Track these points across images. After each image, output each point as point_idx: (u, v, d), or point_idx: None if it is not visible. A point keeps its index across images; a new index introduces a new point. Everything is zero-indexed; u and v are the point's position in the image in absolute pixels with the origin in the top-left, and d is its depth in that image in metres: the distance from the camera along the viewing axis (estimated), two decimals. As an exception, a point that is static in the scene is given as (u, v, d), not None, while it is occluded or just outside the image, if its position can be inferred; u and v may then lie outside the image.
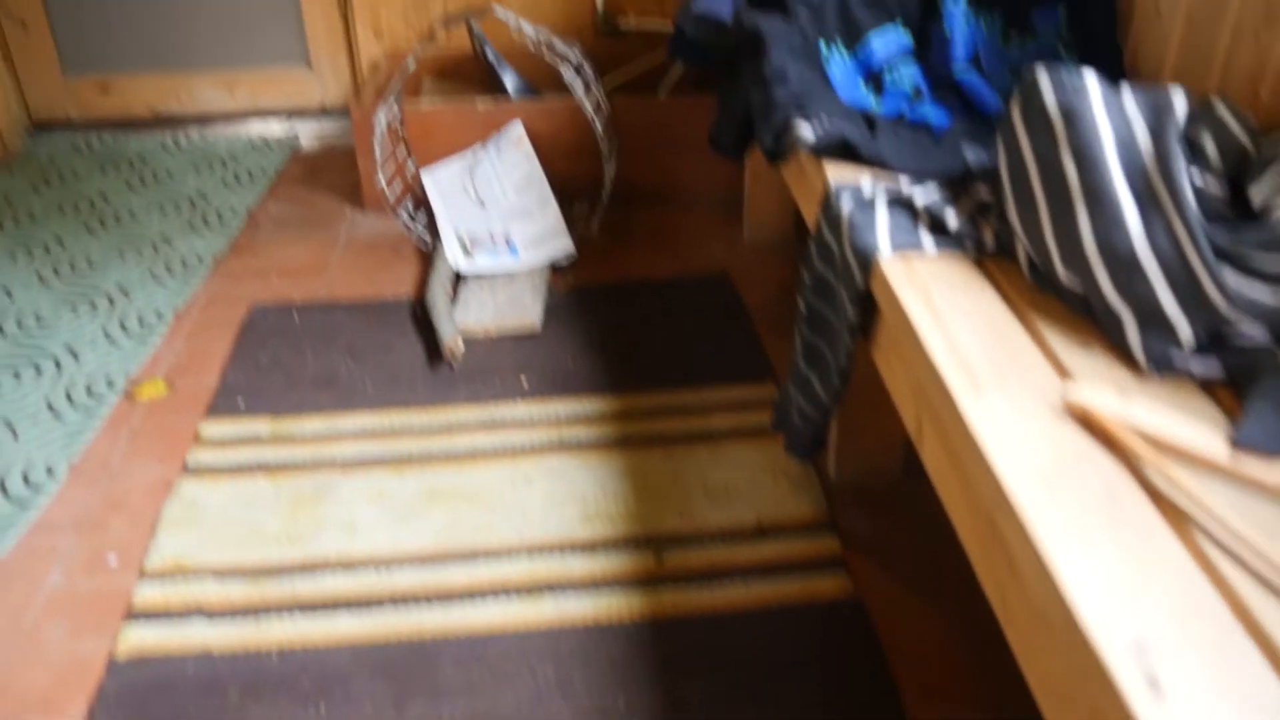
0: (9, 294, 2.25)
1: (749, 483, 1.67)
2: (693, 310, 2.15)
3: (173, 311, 2.18)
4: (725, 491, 1.65)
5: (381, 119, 2.31)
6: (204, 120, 3.14)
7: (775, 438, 1.75)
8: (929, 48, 1.61)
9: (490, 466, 1.71)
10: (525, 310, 2.09)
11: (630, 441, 1.76)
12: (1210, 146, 1.06)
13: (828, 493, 1.65)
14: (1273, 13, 1.24)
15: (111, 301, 2.21)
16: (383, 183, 2.32)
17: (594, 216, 2.45)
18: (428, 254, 2.38)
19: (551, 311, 2.15)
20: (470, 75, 2.89)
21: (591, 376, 1.94)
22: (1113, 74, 1.54)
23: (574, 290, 2.24)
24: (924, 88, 1.56)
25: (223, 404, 1.87)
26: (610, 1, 2.98)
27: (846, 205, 1.25)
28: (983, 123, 1.49)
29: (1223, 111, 1.09)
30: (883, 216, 1.21)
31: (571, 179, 2.52)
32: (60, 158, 2.96)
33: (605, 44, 2.99)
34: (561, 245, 2.31)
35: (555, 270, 2.30)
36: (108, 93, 3.10)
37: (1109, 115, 1.03)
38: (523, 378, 1.93)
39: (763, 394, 1.88)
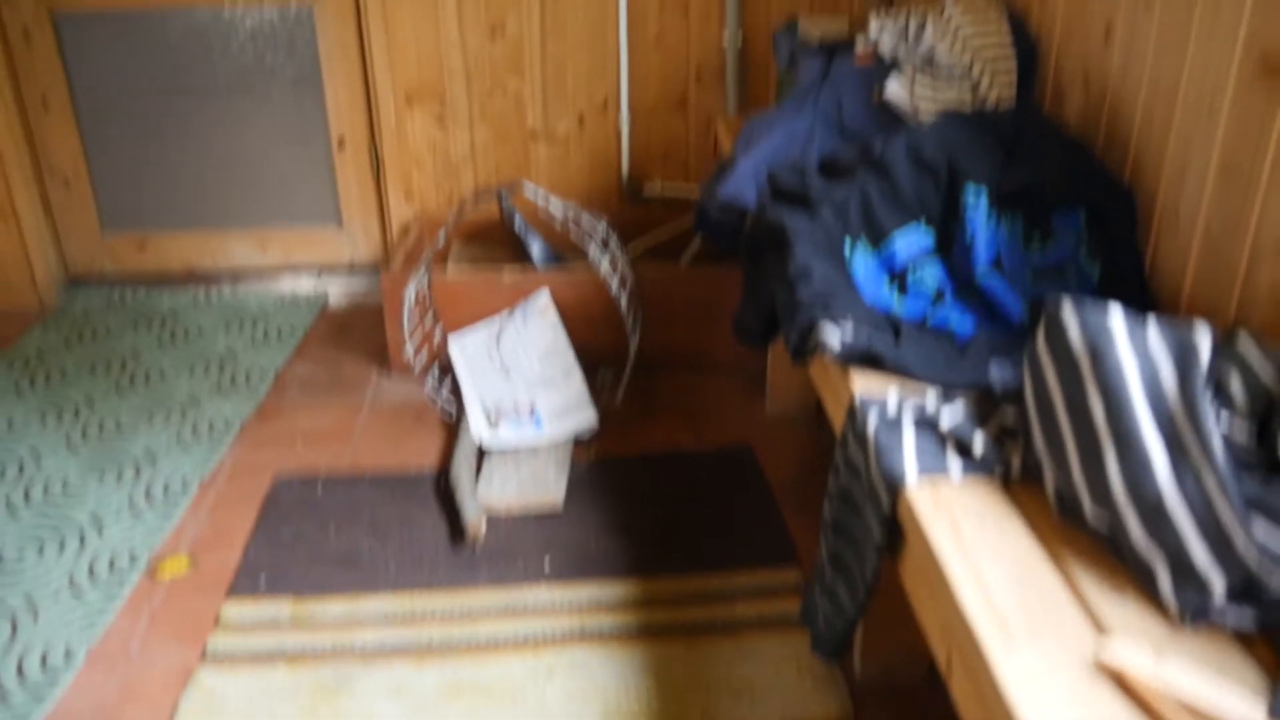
0: (38, 459, 2.27)
1: (773, 679, 1.64)
2: (715, 486, 2.15)
3: (198, 480, 2.19)
4: (749, 689, 1.62)
5: (411, 292, 2.35)
6: (236, 276, 3.21)
7: (799, 629, 1.73)
8: (952, 245, 1.64)
9: (511, 658, 1.69)
10: (548, 487, 2.10)
11: (652, 630, 1.75)
12: (1236, 386, 1.06)
13: (853, 691, 1.62)
14: (1292, 236, 1.26)
15: (138, 469, 2.23)
16: (410, 354, 2.36)
17: (618, 388, 2.47)
18: (452, 424, 2.39)
19: (574, 486, 2.15)
20: (497, 238, 2.95)
21: (614, 558, 1.93)
22: (1133, 279, 1.55)
23: (597, 463, 2.25)
24: (947, 289, 1.59)
25: (244, 583, 1.87)
26: (636, 167, 3.05)
27: (872, 423, 1.25)
28: (1006, 327, 1.51)
29: (1247, 348, 1.10)
30: (909, 438, 1.22)
31: (596, 346, 2.55)
32: (94, 313, 3.02)
33: (631, 210, 3.06)
34: (585, 418, 2.32)
35: (578, 442, 2.31)
36: (144, 249, 3.18)
37: (1135, 354, 1.04)
38: (545, 559, 1.92)
39: (786, 579, 1.86)
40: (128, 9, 2.90)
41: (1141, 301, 1.53)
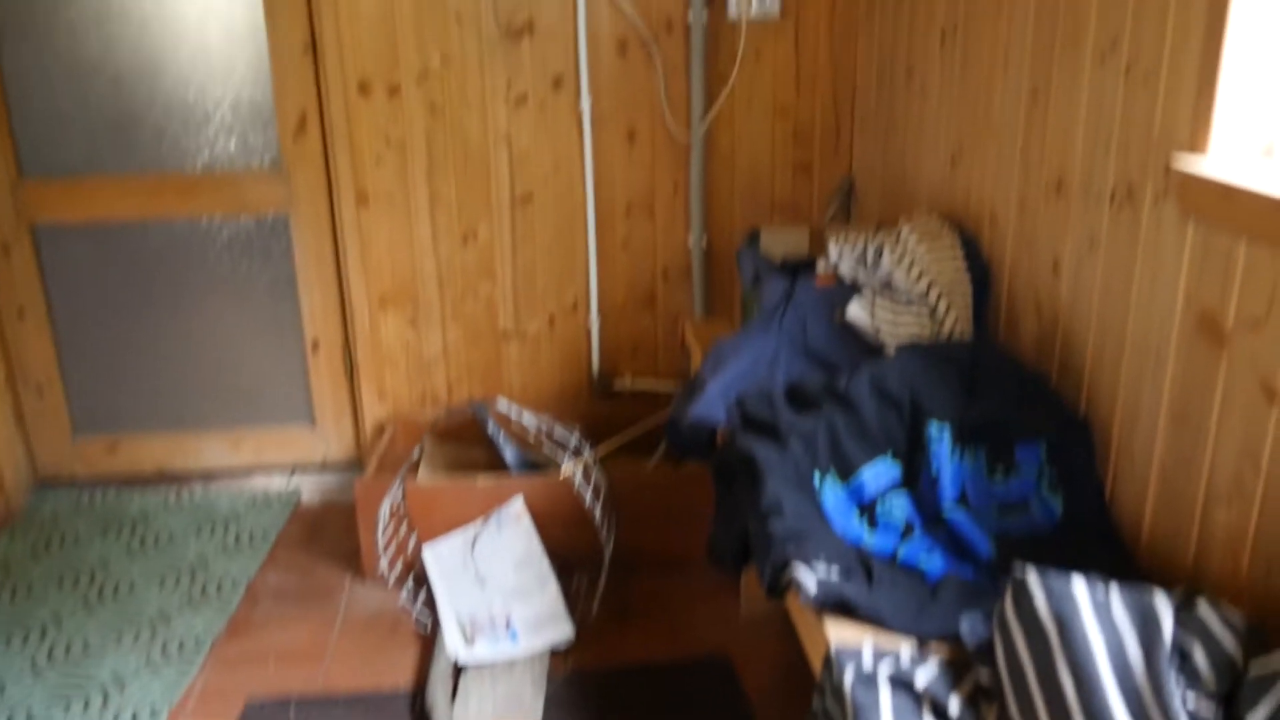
0: (1, 689, 2.23)
1: None
2: (693, 703, 2.14)
3: (167, 708, 2.15)
4: None
5: (385, 509, 2.37)
6: (208, 476, 3.21)
7: None
8: (918, 477, 1.68)
9: None
10: (524, 708, 2.08)
11: None
12: (1200, 658, 1.09)
13: None
14: (1243, 485, 1.31)
15: (105, 697, 2.19)
16: (384, 567, 2.35)
17: (593, 597, 2.47)
18: (427, 635, 2.38)
19: (551, 703, 2.13)
20: (470, 437, 2.98)
21: (593, 787, 1.90)
22: (1095, 512, 1.60)
23: (573, 674, 2.23)
24: (915, 522, 1.62)
25: (214, 826, 1.83)
26: (606, 363, 3.12)
27: (849, 679, 1.27)
28: (974, 562, 1.54)
29: (1208, 615, 1.14)
30: (885, 698, 1.23)
31: (570, 549, 2.56)
32: (63, 517, 3.00)
33: (602, 405, 3.11)
34: (561, 630, 2.32)
35: (554, 652, 2.30)
36: (115, 452, 3.18)
37: (1100, 626, 1.07)
38: (522, 790, 1.90)
39: (768, 807, 1.84)
40: (108, 222, 2.97)
41: (1104, 534, 1.57)
